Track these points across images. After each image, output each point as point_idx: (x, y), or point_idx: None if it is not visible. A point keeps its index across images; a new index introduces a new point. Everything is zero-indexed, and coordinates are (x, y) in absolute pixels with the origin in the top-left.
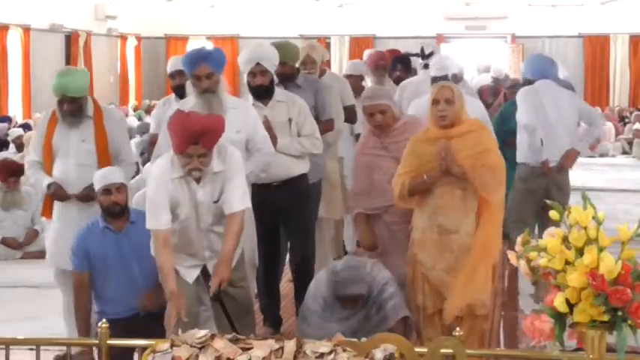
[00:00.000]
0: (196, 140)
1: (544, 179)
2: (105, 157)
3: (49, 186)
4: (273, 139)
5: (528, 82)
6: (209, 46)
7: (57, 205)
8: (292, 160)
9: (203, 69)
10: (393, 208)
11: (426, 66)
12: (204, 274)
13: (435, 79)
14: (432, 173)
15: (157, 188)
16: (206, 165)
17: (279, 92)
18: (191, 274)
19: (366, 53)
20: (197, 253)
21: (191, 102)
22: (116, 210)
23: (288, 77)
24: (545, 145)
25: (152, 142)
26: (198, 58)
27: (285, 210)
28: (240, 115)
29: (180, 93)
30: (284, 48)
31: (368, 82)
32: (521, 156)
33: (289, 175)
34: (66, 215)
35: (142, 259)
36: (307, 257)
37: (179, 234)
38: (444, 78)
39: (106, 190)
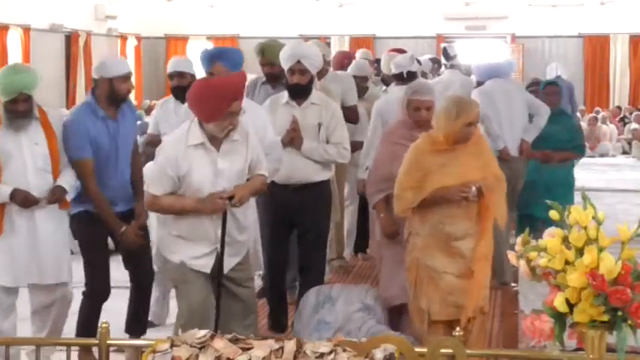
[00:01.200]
0: (238, 96)
1: (504, 168)
2: (56, 160)
3: (13, 194)
4: (298, 141)
5: (480, 84)
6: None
7: (16, 215)
8: (314, 165)
9: (218, 67)
10: None
11: (452, 66)
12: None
13: (394, 76)
14: (449, 195)
15: (167, 157)
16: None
17: (315, 95)
18: (207, 263)
19: (358, 53)
20: (210, 235)
21: None
22: (127, 96)
23: (276, 77)
24: (502, 137)
25: (150, 142)
26: (215, 56)
27: (299, 215)
28: (249, 118)
29: (178, 94)
30: (274, 48)
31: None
32: None
33: (309, 179)
34: (24, 225)
35: (126, 145)
36: (317, 272)
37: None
38: (400, 76)
39: (126, 77)
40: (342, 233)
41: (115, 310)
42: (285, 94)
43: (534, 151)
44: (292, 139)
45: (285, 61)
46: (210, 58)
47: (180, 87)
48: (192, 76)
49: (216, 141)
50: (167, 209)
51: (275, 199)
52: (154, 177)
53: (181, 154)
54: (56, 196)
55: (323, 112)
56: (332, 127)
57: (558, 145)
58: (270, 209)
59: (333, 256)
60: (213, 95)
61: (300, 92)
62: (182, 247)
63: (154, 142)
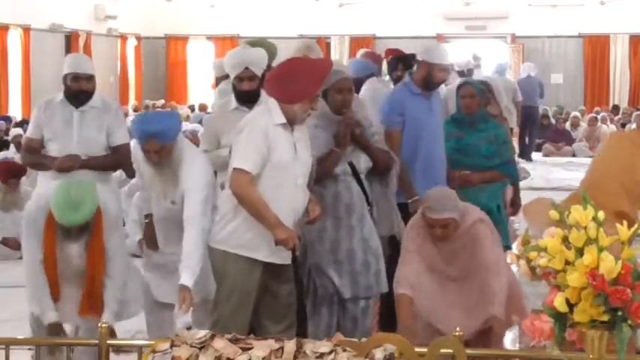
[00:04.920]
0: (324, 80)
1: None
2: None
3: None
4: None
5: (358, 81)
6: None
7: None
8: None
9: (152, 145)
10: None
11: (477, 66)
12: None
13: (458, 73)
14: None
15: (259, 130)
16: None
17: (264, 96)
18: (288, 254)
19: (360, 53)
20: (289, 223)
21: (146, 173)
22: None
23: (263, 77)
24: None
25: (28, 147)
26: (148, 135)
27: None
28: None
29: (77, 97)
30: (262, 46)
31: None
32: None
33: None
34: None
35: None
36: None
37: (274, 191)
38: (462, 73)
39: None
40: None
41: None
42: (232, 100)
43: (450, 172)
44: None
45: (231, 69)
46: (144, 137)
47: (85, 91)
48: (92, 77)
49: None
50: (249, 201)
51: None
52: (245, 152)
53: (271, 129)
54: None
55: None
56: None
57: (481, 162)
58: None
59: None
60: (307, 75)
61: (251, 98)
62: (264, 242)
63: (33, 147)
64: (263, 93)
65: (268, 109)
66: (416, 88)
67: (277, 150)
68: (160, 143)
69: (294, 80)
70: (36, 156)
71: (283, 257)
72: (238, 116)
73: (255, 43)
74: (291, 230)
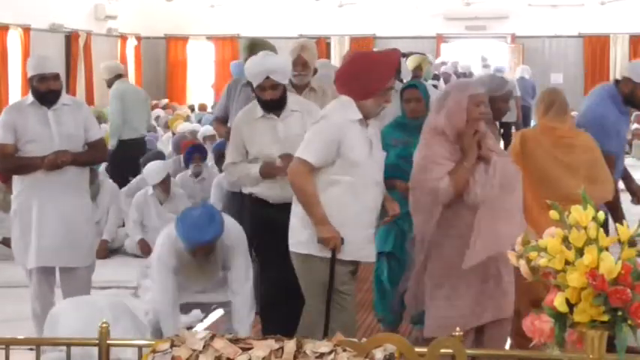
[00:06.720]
0: (395, 72)
1: None
2: None
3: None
4: (288, 159)
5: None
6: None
7: None
8: None
9: (205, 249)
10: None
11: (485, 66)
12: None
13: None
14: None
15: (335, 123)
16: None
17: (293, 100)
18: (370, 250)
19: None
20: (367, 218)
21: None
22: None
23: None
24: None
25: (4, 155)
26: (204, 243)
27: (283, 234)
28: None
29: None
30: (265, 46)
31: None
32: None
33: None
34: None
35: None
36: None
37: (352, 190)
38: (463, 74)
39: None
40: None
41: None
42: (257, 107)
43: (393, 180)
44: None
45: (252, 78)
46: (200, 245)
47: (54, 90)
48: (58, 75)
49: None
50: (302, 191)
51: (256, 217)
52: (312, 144)
53: (346, 125)
54: None
55: (305, 118)
56: None
57: None
58: (263, 229)
59: None
60: (374, 69)
61: (276, 106)
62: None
63: (8, 152)
64: (290, 99)
65: (344, 106)
66: (622, 105)
67: (355, 148)
68: (212, 245)
69: (362, 76)
70: (17, 159)
71: (370, 252)
72: (266, 124)
73: (253, 44)
74: (336, 231)
